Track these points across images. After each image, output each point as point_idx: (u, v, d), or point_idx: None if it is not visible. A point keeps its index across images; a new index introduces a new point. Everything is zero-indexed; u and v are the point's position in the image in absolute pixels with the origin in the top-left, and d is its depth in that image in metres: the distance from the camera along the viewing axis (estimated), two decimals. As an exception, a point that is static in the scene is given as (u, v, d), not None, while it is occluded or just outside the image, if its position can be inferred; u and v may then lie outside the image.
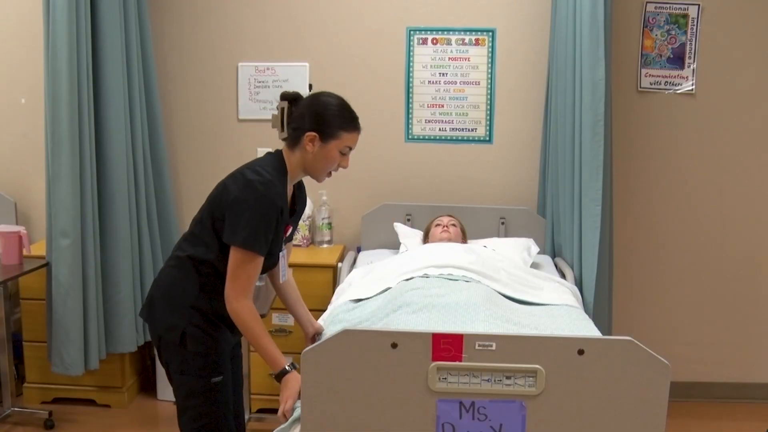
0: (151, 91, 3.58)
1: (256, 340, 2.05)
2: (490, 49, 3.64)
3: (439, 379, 1.71)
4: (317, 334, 2.47)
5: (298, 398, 1.97)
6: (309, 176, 2.21)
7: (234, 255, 2.04)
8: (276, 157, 2.17)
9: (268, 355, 2.05)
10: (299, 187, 2.32)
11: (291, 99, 2.17)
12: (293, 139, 2.14)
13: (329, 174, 2.20)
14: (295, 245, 3.67)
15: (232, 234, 2.03)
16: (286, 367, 2.05)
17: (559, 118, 3.36)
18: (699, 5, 3.54)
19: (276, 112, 2.19)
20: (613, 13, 3.30)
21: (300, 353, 1.76)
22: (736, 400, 3.76)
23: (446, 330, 1.85)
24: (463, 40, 3.64)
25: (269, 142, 3.69)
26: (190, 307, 2.11)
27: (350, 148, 2.17)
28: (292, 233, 2.34)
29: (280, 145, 2.25)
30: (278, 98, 2.20)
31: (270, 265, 2.22)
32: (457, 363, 1.70)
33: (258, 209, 2.01)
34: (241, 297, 2.04)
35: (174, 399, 2.23)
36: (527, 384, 1.71)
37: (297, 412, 1.96)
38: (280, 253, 2.24)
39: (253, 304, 2.07)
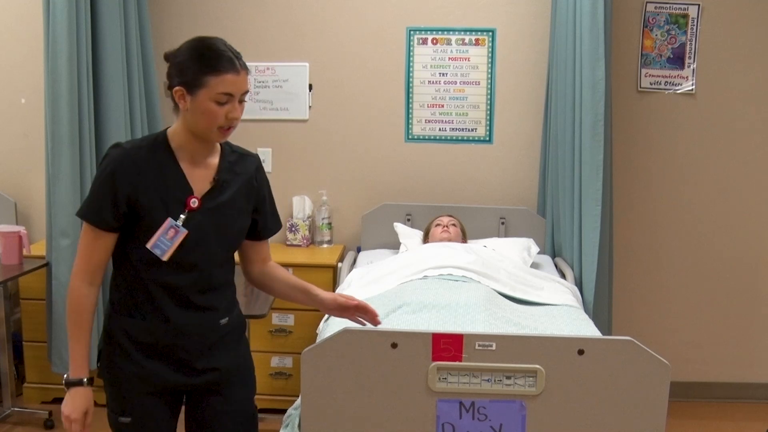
0: (151, 91, 3.57)
1: (71, 329, 1.78)
2: (490, 49, 3.64)
3: (439, 379, 1.71)
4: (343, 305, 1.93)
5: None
6: (204, 139, 1.82)
7: None
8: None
9: (76, 353, 1.79)
10: (237, 158, 1.96)
11: (166, 58, 1.80)
12: (174, 103, 1.80)
13: (226, 130, 1.80)
14: (295, 245, 3.67)
15: None
16: (85, 379, 1.81)
17: (559, 118, 3.37)
18: (699, 5, 3.54)
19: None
20: (613, 13, 3.30)
21: (300, 353, 1.76)
22: (736, 400, 3.76)
23: (446, 330, 1.85)
24: (463, 40, 3.64)
25: (269, 141, 3.68)
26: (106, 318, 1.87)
27: (229, 95, 1.76)
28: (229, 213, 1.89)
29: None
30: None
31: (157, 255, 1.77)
32: (457, 363, 1.70)
33: (97, 176, 1.77)
34: (76, 276, 1.77)
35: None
36: (527, 384, 1.71)
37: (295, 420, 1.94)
38: (173, 228, 1.77)
39: (89, 291, 1.78)
